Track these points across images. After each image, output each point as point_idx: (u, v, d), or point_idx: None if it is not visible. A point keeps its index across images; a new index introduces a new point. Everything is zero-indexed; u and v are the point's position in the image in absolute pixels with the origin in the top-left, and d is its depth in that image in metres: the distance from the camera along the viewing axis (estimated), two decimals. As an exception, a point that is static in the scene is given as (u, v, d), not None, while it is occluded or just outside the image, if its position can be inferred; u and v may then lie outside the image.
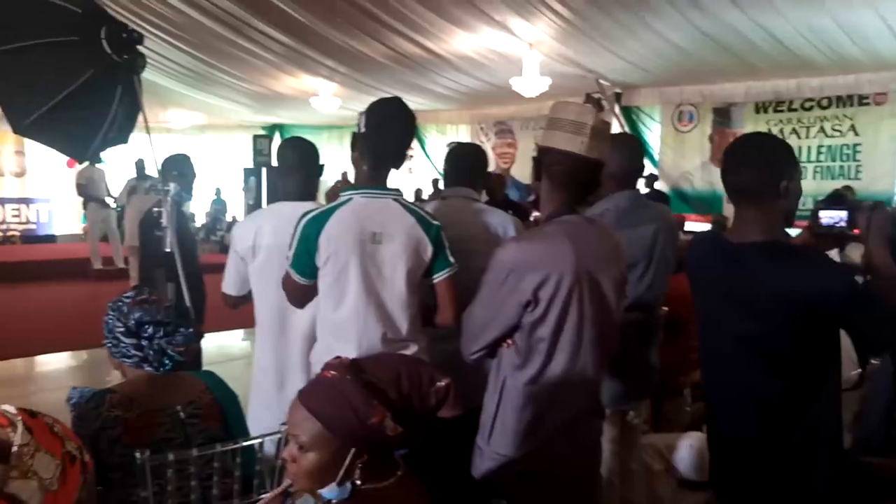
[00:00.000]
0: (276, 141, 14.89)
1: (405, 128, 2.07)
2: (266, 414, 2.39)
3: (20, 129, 3.03)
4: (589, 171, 1.66)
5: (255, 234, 2.36)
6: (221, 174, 14.27)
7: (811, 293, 1.54)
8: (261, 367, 2.47)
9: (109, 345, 1.77)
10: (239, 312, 2.66)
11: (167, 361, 1.73)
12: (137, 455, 1.56)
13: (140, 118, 3.09)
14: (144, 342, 1.71)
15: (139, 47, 3.03)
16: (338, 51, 8.90)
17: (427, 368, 1.20)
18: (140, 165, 9.03)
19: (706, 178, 9.35)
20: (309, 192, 2.49)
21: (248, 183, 12.76)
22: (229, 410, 1.92)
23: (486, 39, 7.98)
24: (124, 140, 3.18)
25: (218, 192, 12.94)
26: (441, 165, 10.49)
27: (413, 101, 10.76)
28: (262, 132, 14.64)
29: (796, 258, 1.62)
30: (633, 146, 2.38)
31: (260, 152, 13.47)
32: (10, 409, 0.83)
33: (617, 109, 9.91)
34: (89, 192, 9.79)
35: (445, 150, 2.68)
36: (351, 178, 12.08)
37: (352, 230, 1.94)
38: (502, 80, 9.19)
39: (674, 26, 6.81)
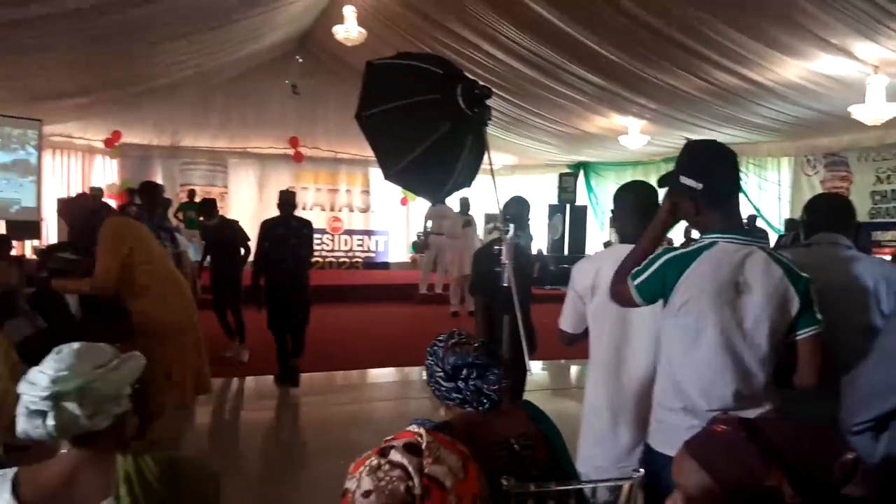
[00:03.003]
0: (581, 179, 15.20)
1: (738, 166, 2.02)
2: (597, 452, 2.42)
3: (389, 176, 3.54)
4: None
5: (595, 274, 2.43)
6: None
7: None
8: (592, 404, 2.51)
9: (433, 387, 1.86)
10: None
11: (485, 401, 1.78)
12: (504, 482, 1.62)
13: (484, 163, 3.40)
14: (461, 384, 1.78)
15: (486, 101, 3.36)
16: (650, 88, 8.84)
17: (831, 437, 1.10)
18: (464, 203, 9.90)
19: None
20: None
21: (552, 219, 13.20)
22: (556, 443, 1.93)
23: (820, 65, 7.24)
24: (469, 184, 3.52)
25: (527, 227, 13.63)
26: (758, 201, 9.68)
27: (727, 135, 10.29)
28: (567, 170, 15.08)
29: None
30: None
31: (565, 189, 13.86)
32: (414, 427, 1.06)
33: None
34: (434, 225, 10.70)
35: (811, 198, 2.52)
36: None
37: (715, 277, 1.87)
38: (836, 108, 8.25)
39: None
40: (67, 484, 1.40)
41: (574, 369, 7.22)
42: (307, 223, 6.12)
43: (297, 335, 6.10)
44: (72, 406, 1.36)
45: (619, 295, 2.07)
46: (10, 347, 3.58)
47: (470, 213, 10.05)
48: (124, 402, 1.46)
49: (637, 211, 2.46)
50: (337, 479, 1.16)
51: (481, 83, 3.42)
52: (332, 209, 15.24)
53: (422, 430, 1.08)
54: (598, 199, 15.24)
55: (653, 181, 2.35)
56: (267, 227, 6.02)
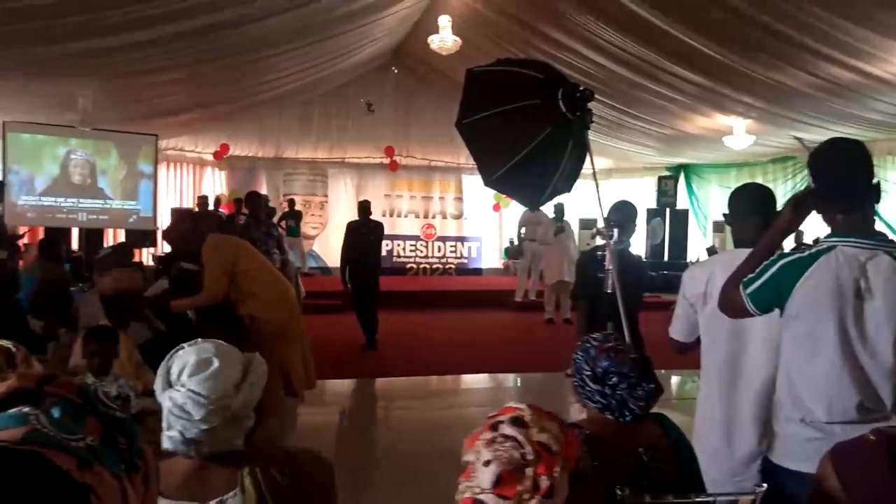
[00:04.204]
0: (682, 182, 14.68)
1: (864, 164, 1.88)
2: (712, 466, 2.31)
3: (489, 183, 3.55)
4: None
5: (708, 280, 2.32)
6: (624, 215, 14.65)
7: None
8: (706, 416, 2.41)
9: (577, 384, 1.83)
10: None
11: (627, 414, 1.74)
12: (618, 492, 1.59)
13: (586, 167, 3.34)
14: (608, 391, 1.74)
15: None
16: (755, 85, 8.45)
17: None
18: (559, 209, 9.77)
19: None
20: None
21: (651, 224, 12.84)
22: (687, 457, 1.86)
23: (949, 54, 6.70)
24: (568, 189, 3.47)
25: (625, 232, 13.32)
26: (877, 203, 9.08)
27: (841, 132, 9.63)
28: (666, 173, 14.62)
29: None
30: None
31: (665, 193, 13.45)
32: (513, 403, 1.18)
33: None
34: (529, 232, 10.50)
35: None
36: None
37: (834, 283, 1.77)
38: (969, 100, 7.60)
39: None
40: (196, 476, 1.47)
41: (675, 380, 6.97)
42: (380, 224, 8.20)
43: (370, 313, 7.74)
44: (218, 431, 1.43)
45: (730, 305, 1.99)
46: (134, 348, 3.84)
47: (565, 219, 9.91)
48: (252, 414, 1.52)
49: (754, 214, 2.35)
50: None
51: (583, 86, 3.37)
52: (425, 216, 15.48)
53: (522, 405, 1.17)
54: (700, 203, 14.63)
55: (760, 182, 2.25)
56: (352, 227, 7.94)
